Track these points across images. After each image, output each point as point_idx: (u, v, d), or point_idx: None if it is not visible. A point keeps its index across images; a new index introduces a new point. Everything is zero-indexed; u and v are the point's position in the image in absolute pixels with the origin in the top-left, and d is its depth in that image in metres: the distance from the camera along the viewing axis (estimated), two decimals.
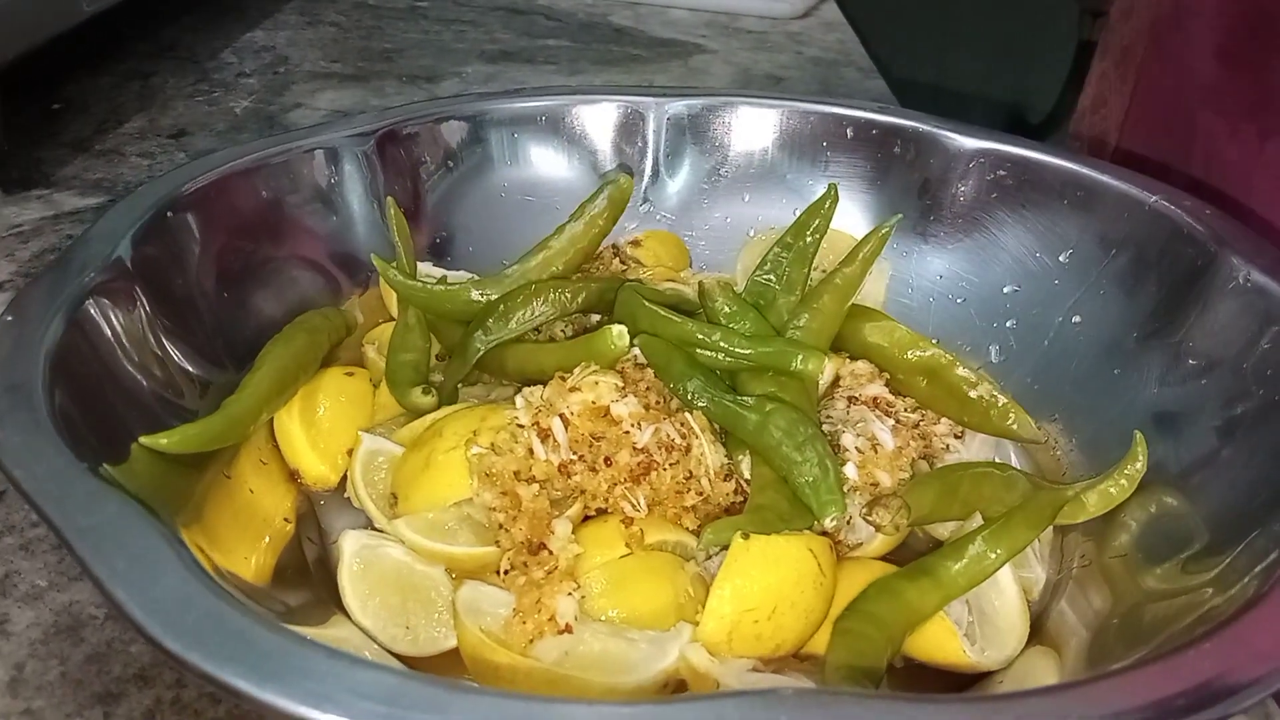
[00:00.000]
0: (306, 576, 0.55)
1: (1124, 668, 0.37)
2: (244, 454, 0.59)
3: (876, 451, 0.55)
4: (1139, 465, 0.57)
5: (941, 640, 0.50)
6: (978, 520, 0.54)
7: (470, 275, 0.72)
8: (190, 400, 0.57)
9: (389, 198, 0.68)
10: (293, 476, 0.61)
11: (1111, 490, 0.57)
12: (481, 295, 0.63)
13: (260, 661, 0.34)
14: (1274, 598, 0.40)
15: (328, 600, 0.53)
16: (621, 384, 0.55)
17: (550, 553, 0.50)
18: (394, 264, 0.65)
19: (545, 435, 0.53)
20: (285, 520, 0.57)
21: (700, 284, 0.60)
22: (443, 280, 0.67)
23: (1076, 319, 0.68)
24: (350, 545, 0.53)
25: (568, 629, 0.47)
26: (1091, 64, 1.05)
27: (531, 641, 0.47)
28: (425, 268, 0.72)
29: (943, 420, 0.62)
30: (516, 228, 0.76)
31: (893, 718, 0.33)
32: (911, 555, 0.56)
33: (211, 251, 0.64)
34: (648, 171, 0.81)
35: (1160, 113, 0.81)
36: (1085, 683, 0.36)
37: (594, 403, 0.54)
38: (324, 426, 0.61)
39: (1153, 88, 0.80)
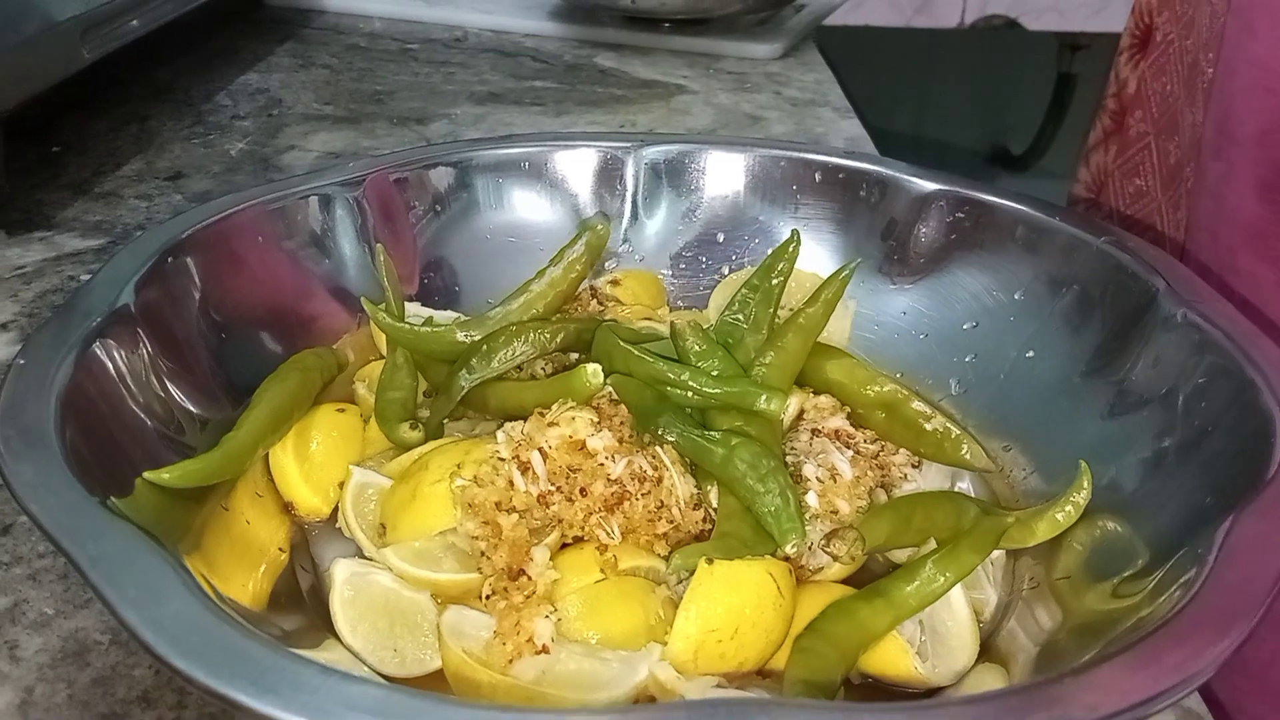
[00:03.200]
0: (300, 603, 0.58)
1: (1048, 680, 0.41)
2: (241, 487, 0.62)
3: (836, 481, 0.59)
4: (1084, 494, 0.60)
5: (894, 657, 0.54)
6: (932, 545, 0.58)
7: (456, 315, 0.75)
8: (190, 437, 0.61)
9: (379, 245, 0.72)
10: (287, 508, 0.64)
11: (1059, 517, 0.61)
12: (466, 336, 0.67)
13: (259, 677, 0.37)
14: (1188, 614, 0.44)
15: (320, 625, 0.56)
16: (597, 419, 0.59)
17: (529, 578, 0.54)
18: (383, 306, 0.69)
19: (525, 468, 0.57)
20: (280, 550, 0.61)
21: (672, 325, 0.64)
22: (429, 321, 0.70)
23: (1030, 354, 0.72)
24: (341, 573, 0.56)
25: (545, 649, 0.51)
26: (1088, 148, 1.08)
27: (511, 661, 0.50)
28: (413, 308, 0.75)
29: (900, 451, 0.66)
30: (501, 269, 0.80)
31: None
32: (870, 578, 0.60)
33: (210, 294, 0.67)
34: (626, 213, 0.85)
35: (1207, 247, 0.80)
36: (1007, 692, 0.40)
37: (571, 437, 0.58)
38: (316, 460, 0.64)
39: (1198, 217, 0.80)
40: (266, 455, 0.65)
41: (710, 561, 0.52)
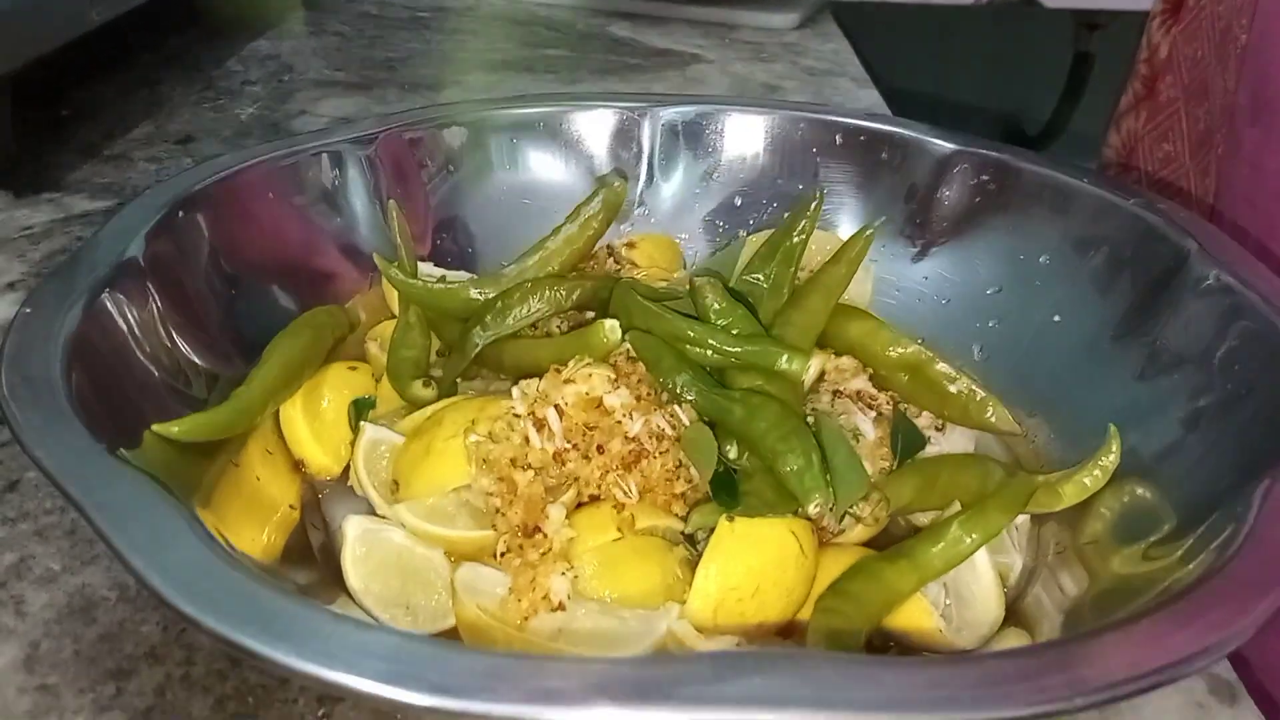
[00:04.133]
0: (311, 560, 0.57)
1: (1084, 635, 0.40)
2: (251, 444, 0.61)
3: (859, 442, 0.58)
4: (1113, 457, 0.59)
5: (918, 619, 0.52)
6: (956, 509, 0.57)
7: (469, 275, 0.74)
8: (199, 391, 0.60)
9: (391, 201, 0.70)
10: (297, 466, 0.63)
11: (1086, 481, 0.59)
12: (480, 293, 0.65)
13: (270, 623, 0.36)
14: (1229, 572, 0.42)
15: (332, 583, 0.55)
16: (614, 376, 0.57)
17: (545, 536, 0.52)
18: (395, 264, 0.68)
19: (541, 425, 0.56)
20: (291, 507, 0.60)
21: (691, 281, 0.62)
22: (442, 279, 0.69)
23: (1056, 318, 0.70)
24: (353, 530, 0.55)
25: (561, 606, 0.49)
26: (1119, 112, 1.06)
27: (526, 619, 0.49)
28: (426, 268, 0.74)
29: (924, 413, 0.64)
30: (514, 229, 0.79)
31: (858, 677, 0.35)
32: (892, 541, 0.58)
33: (221, 250, 0.66)
34: (642, 175, 0.83)
35: (1245, 214, 0.79)
36: (1040, 648, 0.38)
37: (587, 394, 0.56)
38: (327, 419, 0.63)
39: (1231, 184, 0.79)
40: (277, 412, 0.64)
41: (731, 519, 0.51)
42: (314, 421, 0.63)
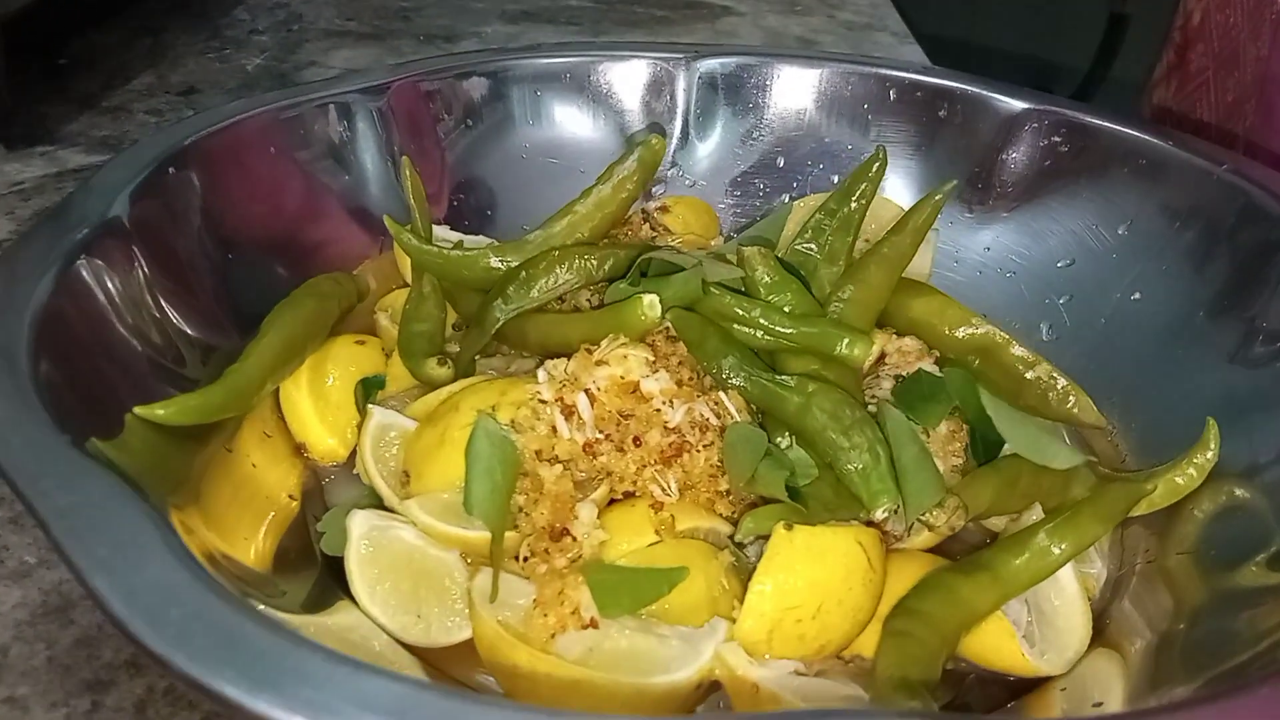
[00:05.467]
0: (310, 559, 0.51)
1: (1198, 699, 0.33)
2: (247, 426, 0.55)
3: (928, 436, 0.51)
4: (1210, 454, 0.53)
5: (999, 642, 0.46)
6: (1037, 512, 0.50)
7: (489, 241, 0.68)
8: (191, 369, 0.54)
9: (404, 156, 0.64)
10: (299, 450, 0.57)
11: (1179, 480, 0.53)
12: (501, 261, 0.59)
13: (252, 664, 0.30)
14: None
15: (333, 585, 0.49)
16: (652, 358, 0.51)
17: (574, 539, 0.46)
18: (408, 227, 0.61)
19: (569, 412, 0.49)
20: (290, 497, 0.54)
21: (740, 251, 0.55)
22: (459, 245, 0.63)
23: (1136, 295, 0.64)
24: (359, 526, 0.49)
25: (593, 623, 0.43)
26: (1152, 82, 1.00)
27: (553, 636, 0.43)
28: (442, 232, 0.68)
29: None
30: (538, 191, 0.72)
31: None
32: (962, 547, 0.52)
33: (216, 210, 0.60)
34: (677, 133, 0.76)
35: None
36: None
37: (622, 378, 0.50)
38: (333, 398, 0.57)
39: (1260, 155, 0.75)
40: (277, 392, 0.58)
41: (789, 527, 0.44)
42: (318, 401, 0.57)
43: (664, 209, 0.73)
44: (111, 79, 1.11)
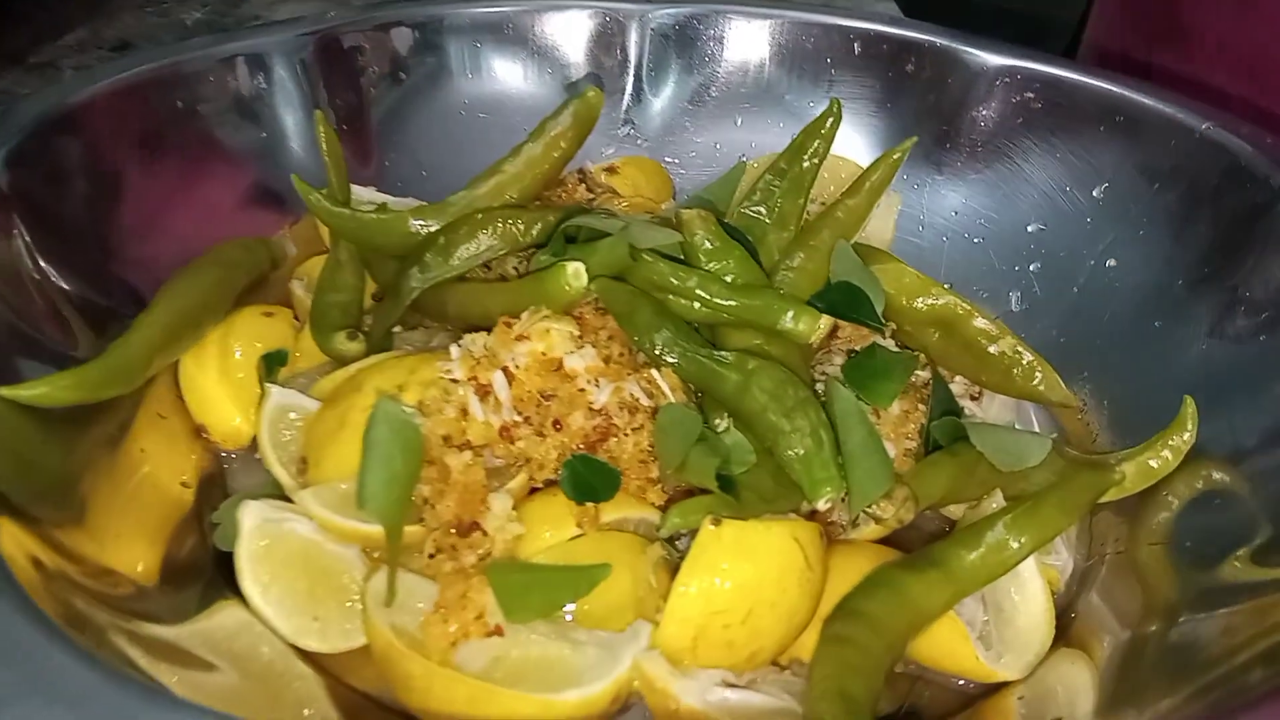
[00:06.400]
0: (203, 555, 0.47)
1: None
2: (142, 407, 0.50)
3: (879, 417, 0.47)
4: (1186, 436, 0.48)
5: (952, 645, 0.42)
6: (997, 499, 0.46)
7: (420, 204, 0.62)
8: (85, 348, 0.49)
9: (316, 110, 0.58)
10: (198, 432, 0.52)
11: (1152, 464, 0.49)
12: (421, 225, 0.54)
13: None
14: None
15: (223, 584, 0.45)
16: (578, 333, 0.46)
17: (484, 534, 0.42)
18: (324, 190, 0.56)
19: (485, 392, 0.45)
20: (184, 484, 0.49)
21: (678, 214, 0.51)
22: (383, 208, 0.58)
23: (1111, 262, 0.59)
24: (250, 518, 0.44)
25: (497, 631, 0.39)
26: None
27: (454, 644, 0.39)
28: (368, 194, 0.63)
29: (957, 378, 0.53)
30: (476, 151, 0.66)
31: None
32: (917, 535, 0.48)
33: (107, 173, 0.55)
34: (628, 90, 0.71)
35: None
36: None
37: (544, 354, 0.45)
38: (236, 375, 0.52)
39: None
40: (177, 369, 0.53)
41: (717, 522, 0.40)
42: (219, 378, 0.52)
43: (612, 169, 0.68)
44: (41, 33, 1.05)
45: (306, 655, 0.43)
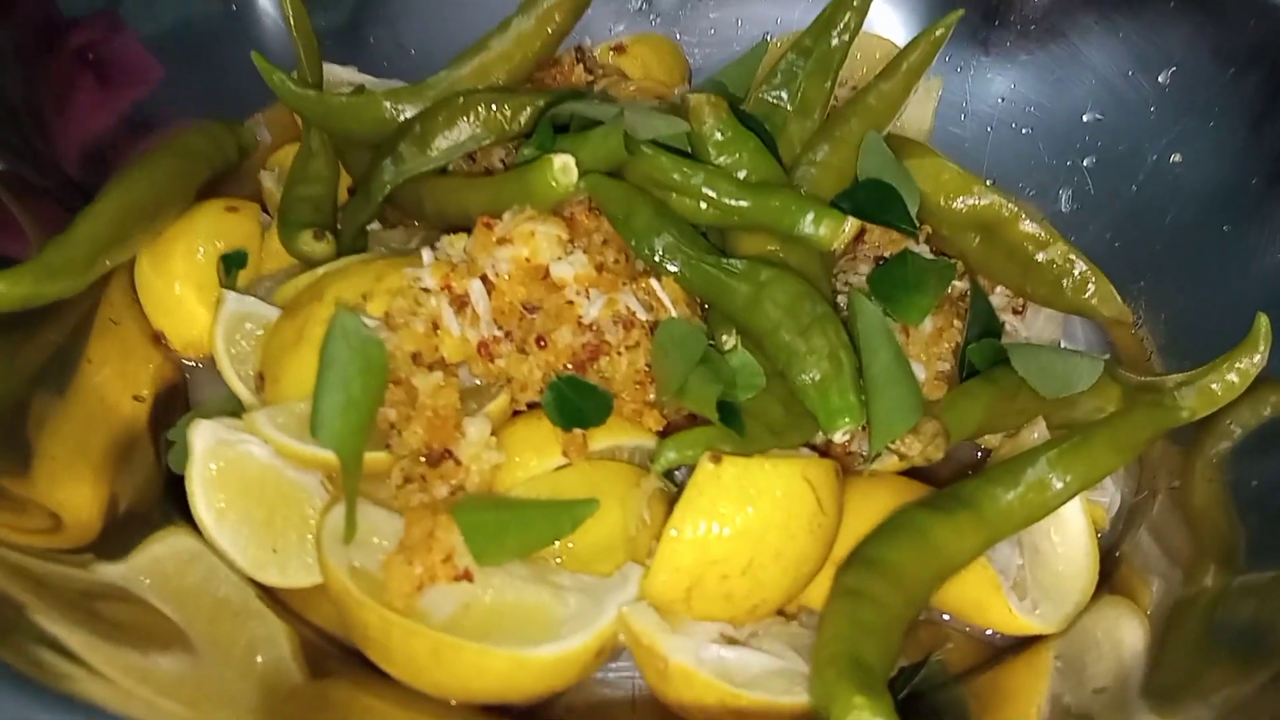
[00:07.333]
0: (155, 476, 0.43)
1: None
2: (98, 312, 0.46)
3: (909, 336, 0.41)
4: (1256, 358, 0.43)
5: (981, 595, 0.38)
6: (1039, 428, 0.41)
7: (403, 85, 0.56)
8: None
9: None
10: (156, 339, 0.48)
11: (1215, 388, 0.44)
12: (396, 109, 0.48)
13: None
14: None
15: (174, 511, 0.41)
16: (567, 236, 0.41)
17: (457, 464, 0.37)
18: (294, 73, 0.50)
19: (461, 303, 0.40)
20: (137, 399, 0.45)
21: (685, 100, 0.44)
22: (361, 90, 0.52)
23: (1176, 158, 0.54)
24: (203, 439, 0.40)
25: (467, 575, 0.35)
26: None
27: (419, 588, 0.35)
28: (347, 74, 0.57)
29: (998, 289, 0.47)
30: (472, 25, 0.60)
31: None
32: (947, 467, 0.43)
33: (40, 48, 0.49)
34: None
35: None
36: None
37: (528, 260, 0.40)
38: (195, 276, 0.48)
39: None
40: (133, 269, 0.48)
41: (717, 459, 0.35)
42: (179, 281, 0.48)
43: (619, 49, 0.62)
44: None
45: (266, 590, 0.39)
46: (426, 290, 0.40)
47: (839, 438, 0.37)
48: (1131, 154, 0.55)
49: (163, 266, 0.48)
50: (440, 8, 0.63)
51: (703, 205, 0.42)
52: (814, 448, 0.39)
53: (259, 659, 0.36)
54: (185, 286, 0.48)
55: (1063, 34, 0.58)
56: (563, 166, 0.40)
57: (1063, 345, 0.48)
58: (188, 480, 0.40)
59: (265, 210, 0.52)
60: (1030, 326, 0.47)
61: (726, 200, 0.41)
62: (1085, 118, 0.57)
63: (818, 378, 0.37)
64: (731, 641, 0.35)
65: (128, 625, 0.34)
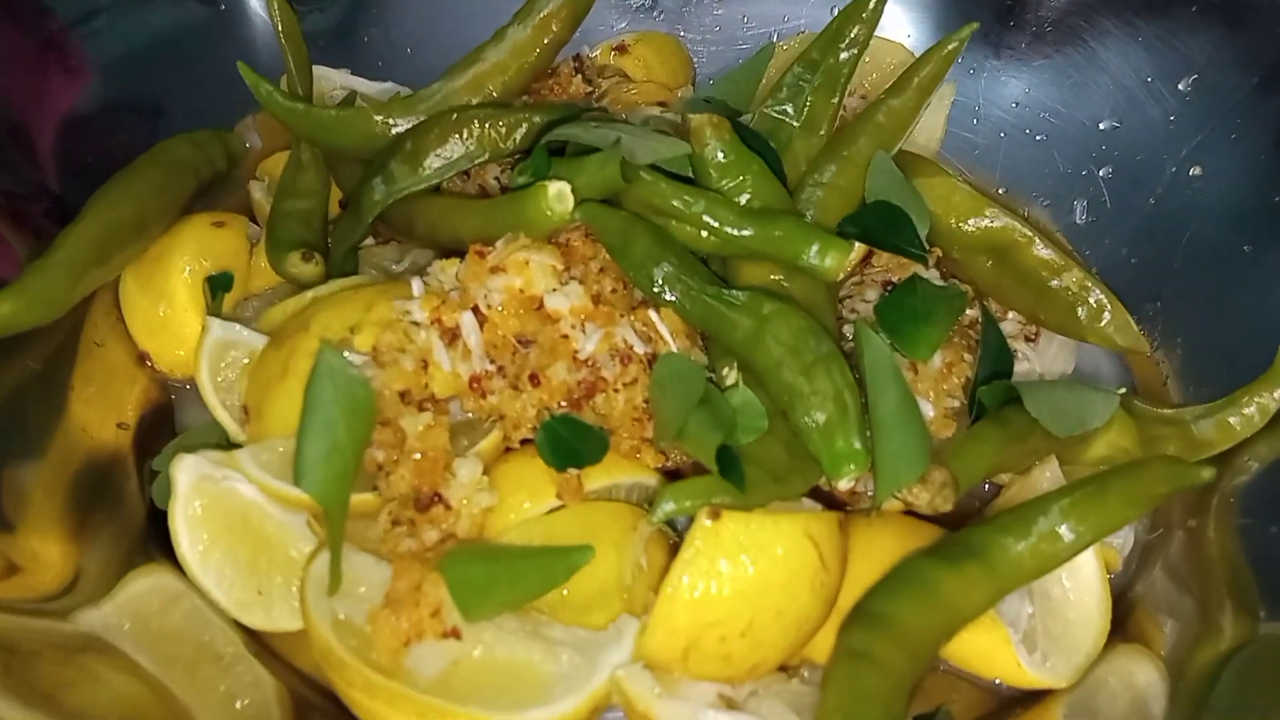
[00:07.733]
0: (137, 508, 0.41)
1: None
2: (78, 335, 0.44)
3: (917, 372, 0.40)
4: (1278, 392, 0.41)
5: (990, 648, 0.36)
6: (1051, 468, 0.39)
7: (398, 90, 0.55)
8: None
9: None
10: (142, 360, 0.47)
11: (1233, 422, 0.42)
12: (388, 123, 0.46)
13: None
14: None
15: (155, 548, 0.39)
16: (562, 266, 0.39)
17: (447, 508, 0.36)
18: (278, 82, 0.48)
19: (452, 336, 0.38)
20: (120, 426, 0.44)
21: (686, 120, 0.42)
22: (349, 101, 0.50)
23: (1195, 170, 0.52)
24: (186, 475, 0.39)
25: (455, 633, 0.33)
26: None
27: (407, 644, 0.33)
28: (340, 76, 0.55)
29: (1010, 315, 0.46)
30: (470, 23, 0.58)
31: None
32: (958, 501, 0.41)
33: (29, 54, 0.47)
34: None
35: None
36: None
37: (521, 291, 0.38)
38: (181, 295, 0.46)
39: None
40: (117, 287, 0.47)
41: (716, 515, 0.33)
42: (165, 300, 0.46)
43: (622, 48, 0.60)
44: None
45: (251, 634, 0.38)
46: (416, 324, 0.38)
47: (844, 486, 0.36)
48: (1149, 165, 0.54)
49: (148, 285, 0.46)
50: (436, 6, 0.61)
51: (703, 233, 0.40)
52: (816, 488, 0.38)
53: (238, 704, 0.35)
54: (171, 306, 0.46)
55: (1080, 37, 0.56)
56: (558, 194, 0.39)
57: (1076, 367, 0.47)
58: (170, 518, 0.39)
59: (254, 221, 0.50)
60: (1043, 355, 0.46)
61: (728, 229, 0.40)
62: (1102, 125, 0.56)
63: (822, 421, 0.36)
64: (730, 704, 0.34)
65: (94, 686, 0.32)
